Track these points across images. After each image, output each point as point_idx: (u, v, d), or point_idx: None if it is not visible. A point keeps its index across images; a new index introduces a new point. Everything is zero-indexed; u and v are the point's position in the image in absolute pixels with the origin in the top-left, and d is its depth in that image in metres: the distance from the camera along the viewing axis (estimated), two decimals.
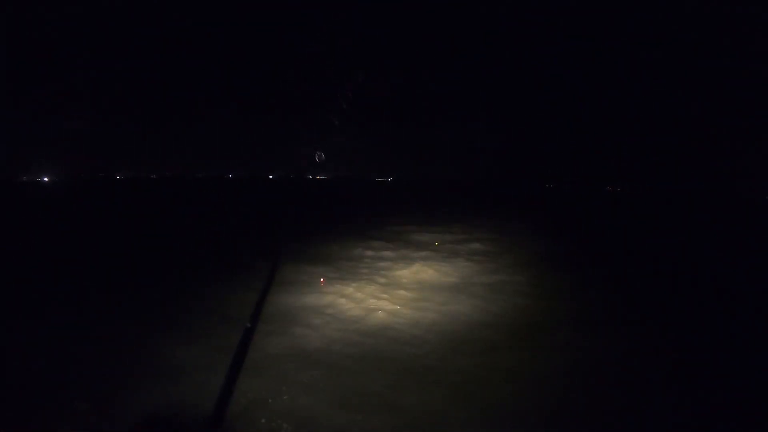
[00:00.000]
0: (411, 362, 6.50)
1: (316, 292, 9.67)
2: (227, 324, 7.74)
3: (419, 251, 14.08)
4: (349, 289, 10.01)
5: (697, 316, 8.24)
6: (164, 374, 6.20)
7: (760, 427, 4.99)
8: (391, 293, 9.55)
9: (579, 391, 5.70)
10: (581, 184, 41.38)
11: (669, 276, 11.04)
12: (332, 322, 7.93)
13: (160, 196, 32.29)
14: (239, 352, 6.12)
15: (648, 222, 23.12)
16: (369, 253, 13.99)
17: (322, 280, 11.03)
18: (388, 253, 13.87)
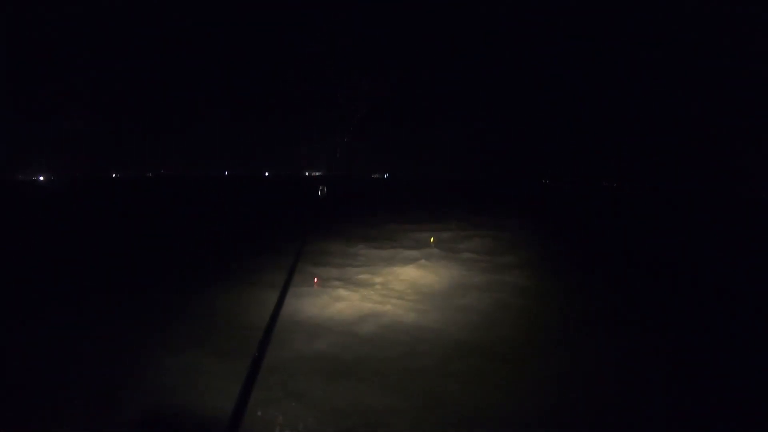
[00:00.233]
0: (407, 365, 6.48)
1: (311, 294, 9.67)
2: (227, 325, 7.73)
3: (415, 250, 14.05)
4: (344, 290, 9.99)
5: (696, 316, 8.22)
6: (164, 375, 6.19)
7: (760, 427, 5.01)
8: (387, 294, 9.52)
9: (579, 392, 5.70)
10: (579, 181, 41.39)
11: (668, 275, 11.03)
12: (328, 324, 7.91)
13: (157, 195, 32.27)
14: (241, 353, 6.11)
15: (647, 220, 23.16)
16: (364, 251, 13.96)
17: (315, 279, 11.02)
18: (384, 252, 13.84)
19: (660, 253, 13.85)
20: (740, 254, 13.38)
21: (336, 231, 16.53)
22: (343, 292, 9.59)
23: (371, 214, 22.46)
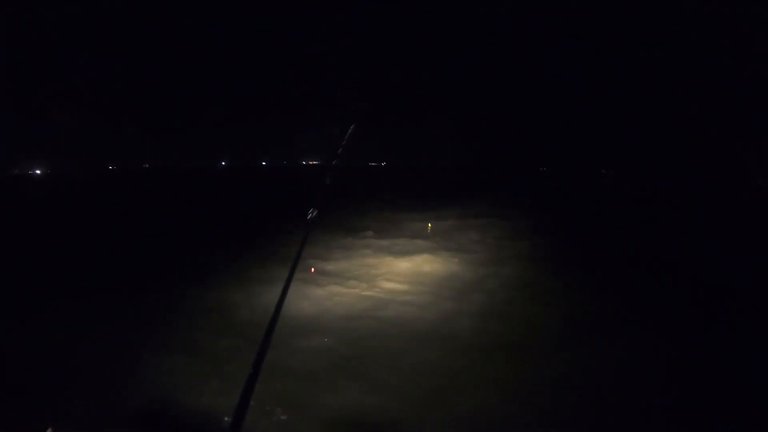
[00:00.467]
0: (403, 362, 6.49)
1: (308, 284, 9.66)
2: (225, 322, 7.72)
3: (413, 240, 14.02)
4: (340, 286, 9.96)
5: (696, 315, 8.18)
6: (164, 374, 6.19)
7: (760, 428, 5.03)
8: (384, 289, 9.52)
9: (577, 392, 5.71)
10: (577, 170, 41.33)
11: (668, 273, 10.97)
12: (326, 319, 7.90)
13: (155, 188, 32.18)
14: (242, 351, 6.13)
15: (646, 213, 23.12)
16: (361, 242, 13.94)
17: (312, 269, 11.01)
18: (381, 242, 13.83)
19: (659, 248, 13.83)
20: (741, 252, 13.37)
21: (332, 222, 16.46)
22: (338, 288, 9.56)
23: (368, 204, 22.46)
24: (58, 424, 5.02)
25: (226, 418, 4.06)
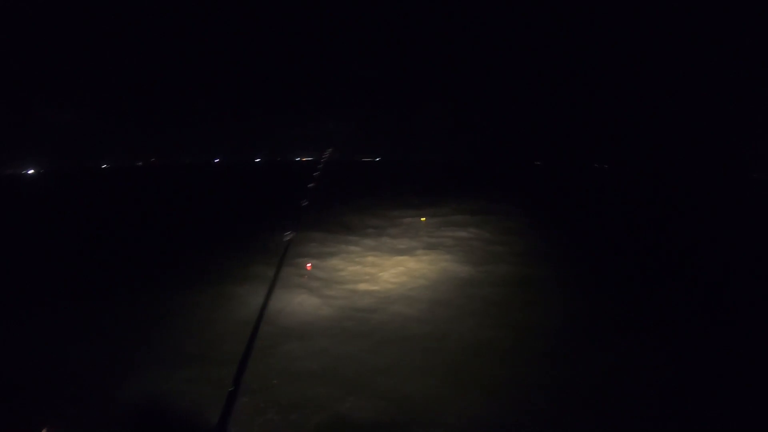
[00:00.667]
0: (393, 363, 6.70)
1: (298, 286, 9.83)
2: (209, 326, 7.91)
3: (406, 237, 14.17)
4: (332, 281, 10.12)
5: (692, 318, 8.27)
6: (156, 375, 6.43)
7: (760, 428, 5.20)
8: (375, 290, 9.69)
9: (568, 396, 5.91)
10: (572, 164, 41.45)
11: (664, 272, 11.03)
12: (314, 323, 8.08)
13: (146, 186, 32.18)
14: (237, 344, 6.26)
15: (640, 205, 23.16)
16: (354, 239, 14.12)
17: (308, 265, 11.16)
18: (374, 240, 14.01)
19: (656, 246, 13.88)
20: (738, 249, 13.34)
21: (325, 218, 16.56)
22: (329, 289, 9.74)
23: (362, 200, 22.52)
24: (52, 424, 5.29)
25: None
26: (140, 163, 40.85)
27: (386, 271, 10.67)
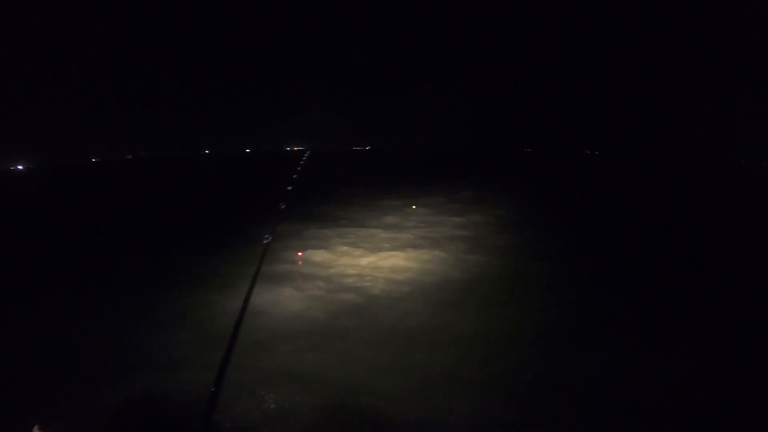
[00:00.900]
0: (380, 364, 6.84)
1: (284, 282, 9.92)
2: (194, 330, 8.04)
3: (396, 230, 14.27)
4: (319, 276, 10.19)
5: (686, 316, 8.38)
6: (153, 367, 6.59)
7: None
8: (364, 286, 9.80)
9: (557, 398, 6.05)
10: (560, 149, 41.60)
11: (657, 267, 11.14)
12: (297, 323, 8.20)
13: (137, 180, 32.09)
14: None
15: (634, 193, 23.28)
16: (342, 231, 14.20)
17: (299, 254, 11.24)
18: (363, 232, 14.11)
19: (648, 238, 14.02)
20: (736, 237, 13.49)
21: (312, 211, 16.63)
22: (311, 287, 9.83)
23: (350, 190, 22.57)
24: (42, 422, 5.44)
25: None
26: (130, 157, 40.74)
27: (375, 264, 10.75)
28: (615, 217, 16.96)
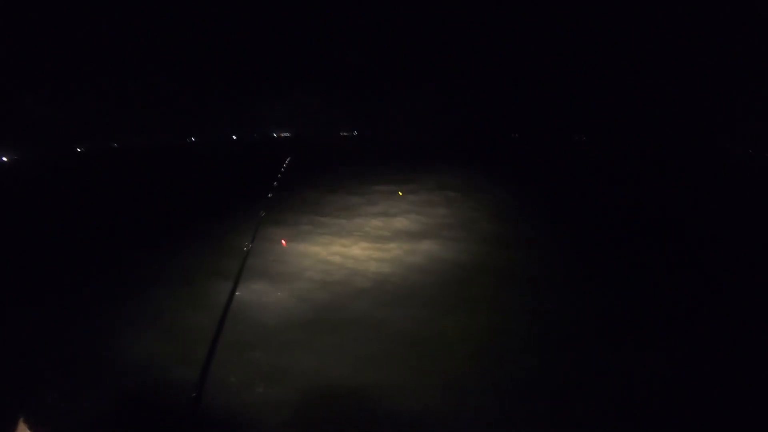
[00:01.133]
0: (366, 366, 6.82)
1: (278, 259, 9.80)
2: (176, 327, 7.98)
3: (383, 218, 14.18)
4: (303, 268, 10.08)
5: (682, 315, 8.37)
6: (140, 365, 6.54)
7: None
8: (348, 281, 9.69)
9: (547, 399, 6.03)
10: (548, 134, 41.62)
11: (651, 260, 11.10)
12: (277, 326, 8.14)
13: (122, 169, 31.67)
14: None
15: (625, 179, 23.27)
16: (328, 221, 14.10)
17: (283, 241, 11.13)
18: (349, 222, 14.01)
19: (640, 228, 13.99)
20: (731, 229, 13.47)
21: (299, 200, 16.44)
22: (295, 282, 9.74)
23: (337, 178, 22.40)
24: (29, 419, 5.42)
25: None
26: (115, 145, 40.17)
27: (360, 257, 10.63)
28: (607, 206, 16.92)
